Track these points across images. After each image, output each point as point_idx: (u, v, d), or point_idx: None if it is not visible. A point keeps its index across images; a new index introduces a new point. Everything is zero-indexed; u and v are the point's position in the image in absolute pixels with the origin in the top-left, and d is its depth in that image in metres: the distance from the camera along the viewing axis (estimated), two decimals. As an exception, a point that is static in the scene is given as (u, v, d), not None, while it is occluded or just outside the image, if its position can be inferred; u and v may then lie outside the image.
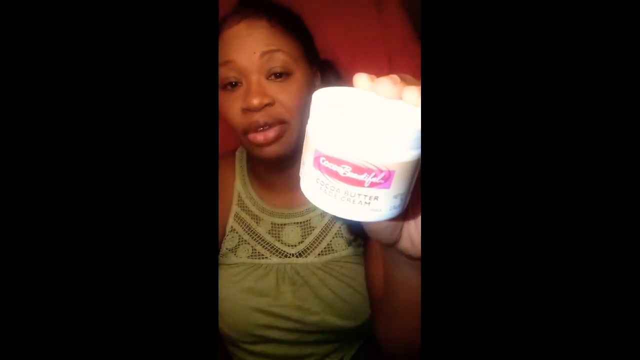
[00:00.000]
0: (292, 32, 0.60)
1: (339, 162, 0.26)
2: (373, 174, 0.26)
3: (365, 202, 0.27)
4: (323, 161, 0.27)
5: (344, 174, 0.26)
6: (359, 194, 0.26)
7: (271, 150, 0.59)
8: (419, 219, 0.33)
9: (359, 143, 0.25)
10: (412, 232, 0.33)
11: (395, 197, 0.27)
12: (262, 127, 0.57)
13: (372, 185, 0.26)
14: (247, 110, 0.57)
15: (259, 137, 0.58)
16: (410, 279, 0.39)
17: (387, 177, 0.26)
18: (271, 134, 0.58)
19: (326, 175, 0.27)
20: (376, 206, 0.27)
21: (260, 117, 0.57)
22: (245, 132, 0.59)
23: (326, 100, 0.27)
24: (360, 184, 0.26)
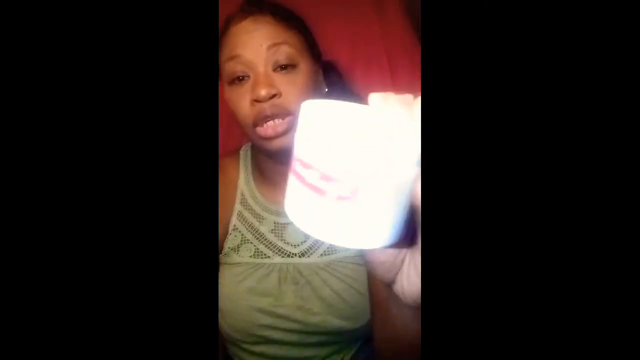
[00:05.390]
0: (296, 27, 0.63)
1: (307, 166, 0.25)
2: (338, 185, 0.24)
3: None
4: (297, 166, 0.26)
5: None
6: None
7: (280, 143, 0.61)
8: (413, 269, 0.30)
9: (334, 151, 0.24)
10: (404, 281, 0.31)
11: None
12: (270, 118, 0.59)
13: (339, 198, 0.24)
14: (256, 101, 0.59)
15: (269, 130, 0.59)
16: (406, 316, 0.37)
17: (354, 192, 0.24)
18: (281, 127, 0.59)
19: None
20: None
21: (268, 108, 0.59)
22: (255, 124, 0.60)
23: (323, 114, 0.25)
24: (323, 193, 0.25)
